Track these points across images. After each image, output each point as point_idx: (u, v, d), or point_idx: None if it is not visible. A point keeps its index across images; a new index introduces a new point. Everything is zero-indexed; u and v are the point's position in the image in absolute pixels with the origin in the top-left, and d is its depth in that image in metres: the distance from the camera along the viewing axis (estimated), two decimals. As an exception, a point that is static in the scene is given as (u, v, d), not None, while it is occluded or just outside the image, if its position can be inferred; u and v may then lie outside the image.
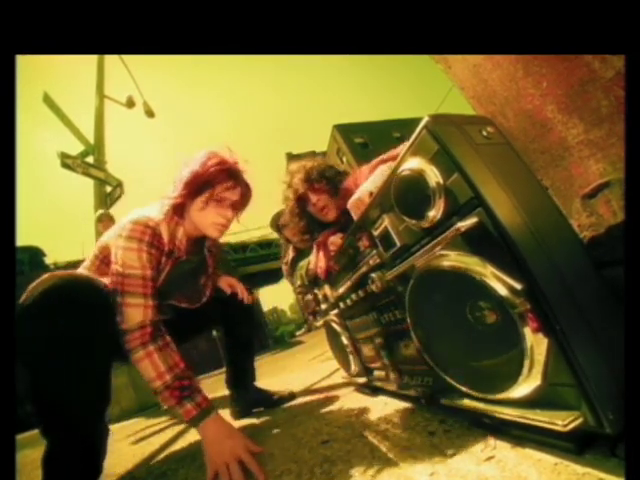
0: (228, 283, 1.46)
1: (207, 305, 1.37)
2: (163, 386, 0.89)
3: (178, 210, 1.07)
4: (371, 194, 0.97)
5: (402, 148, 1.14)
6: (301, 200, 1.45)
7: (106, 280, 0.98)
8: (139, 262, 0.96)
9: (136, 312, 0.92)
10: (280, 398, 1.56)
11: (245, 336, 1.55)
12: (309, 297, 1.44)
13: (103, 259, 1.08)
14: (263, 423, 1.30)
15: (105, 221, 3.62)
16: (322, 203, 1.41)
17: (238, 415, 1.53)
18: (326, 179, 1.39)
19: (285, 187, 1.51)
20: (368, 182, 1.03)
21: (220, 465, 0.81)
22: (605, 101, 0.54)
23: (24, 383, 0.79)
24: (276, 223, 2.01)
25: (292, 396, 1.58)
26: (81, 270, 1.11)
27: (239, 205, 1.13)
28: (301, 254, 1.83)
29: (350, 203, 1.05)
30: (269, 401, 1.55)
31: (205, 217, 1.07)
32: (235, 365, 1.56)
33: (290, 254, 2.03)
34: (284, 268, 2.16)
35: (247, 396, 1.54)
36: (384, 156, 1.18)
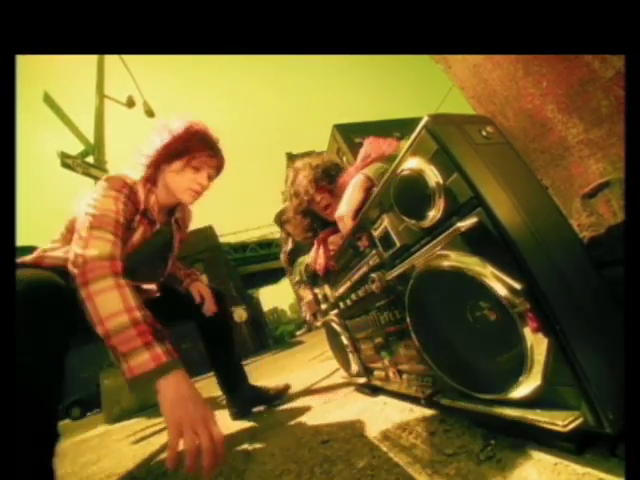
0: (199, 290, 1.41)
1: (176, 299, 1.37)
2: (130, 322, 0.74)
3: (153, 170, 1.08)
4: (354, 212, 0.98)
5: (388, 147, 1.13)
6: (304, 197, 1.44)
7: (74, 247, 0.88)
8: (115, 207, 0.94)
9: (106, 244, 0.85)
10: (277, 393, 1.55)
11: (226, 336, 1.53)
12: (307, 294, 1.45)
13: (72, 230, 0.99)
14: (263, 423, 1.31)
15: None
16: (325, 202, 1.41)
17: (237, 416, 1.52)
18: (329, 177, 1.39)
19: (289, 184, 1.51)
20: (344, 201, 1.02)
21: (186, 429, 0.66)
22: (605, 101, 0.54)
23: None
24: (280, 219, 2.18)
25: (287, 387, 1.57)
26: (50, 245, 1.06)
27: (214, 175, 1.17)
28: (301, 248, 1.87)
29: (336, 217, 1.05)
30: (266, 397, 1.54)
31: (181, 181, 1.08)
32: (222, 367, 1.54)
33: (289, 245, 2.24)
34: (283, 257, 2.42)
35: (243, 395, 1.52)
36: (374, 155, 1.16)
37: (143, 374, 0.71)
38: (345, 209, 0.99)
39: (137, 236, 1.07)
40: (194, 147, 1.07)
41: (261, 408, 1.54)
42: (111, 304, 0.75)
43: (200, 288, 1.41)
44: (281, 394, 1.57)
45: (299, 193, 1.43)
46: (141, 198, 1.04)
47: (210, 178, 1.15)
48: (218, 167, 1.17)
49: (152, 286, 1.38)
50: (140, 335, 0.73)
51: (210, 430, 0.67)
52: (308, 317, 1.51)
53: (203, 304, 1.40)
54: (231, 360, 1.56)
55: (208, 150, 1.10)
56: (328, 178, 1.39)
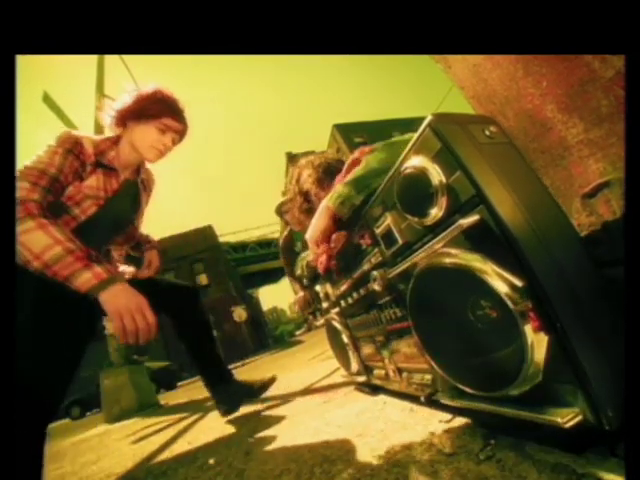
0: (150, 256, 1.45)
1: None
2: (65, 251, 0.84)
3: (119, 125, 1.17)
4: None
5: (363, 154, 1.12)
6: (309, 196, 1.44)
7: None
8: (47, 159, 1.01)
9: (20, 192, 0.92)
10: (262, 385, 1.55)
11: (203, 331, 1.54)
12: (298, 290, 1.48)
13: None
14: (263, 423, 1.31)
15: None
16: None
17: (226, 412, 1.50)
18: (332, 175, 1.39)
19: (293, 183, 1.50)
20: (310, 227, 1.07)
21: (125, 314, 0.85)
22: (605, 101, 0.54)
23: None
24: (280, 209, 2.31)
25: (273, 379, 1.56)
26: None
27: (177, 140, 1.26)
28: (297, 236, 1.90)
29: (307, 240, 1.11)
30: (252, 390, 1.54)
31: (146, 139, 1.16)
32: (204, 363, 1.54)
33: (285, 232, 2.49)
34: (280, 243, 2.58)
35: (229, 388, 1.51)
36: (345, 175, 1.14)
37: (89, 290, 0.85)
38: (309, 235, 1.07)
39: (92, 182, 1.13)
40: (161, 110, 1.16)
41: (260, 407, 1.54)
42: (39, 241, 0.84)
43: (153, 256, 1.47)
44: (267, 386, 1.56)
45: (303, 192, 1.43)
46: (88, 150, 1.11)
47: (174, 142, 1.24)
48: (182, 132, 1.26)
49: (130, 269, 1.43)
50: (78, 260, 0.85)
51: (144, 315, 0.88)
52: (297, 309, 1.53)
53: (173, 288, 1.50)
54: (213, 354, 1.55)
55: (174, 115, 1.19)
56: (331, 176, 1.38)
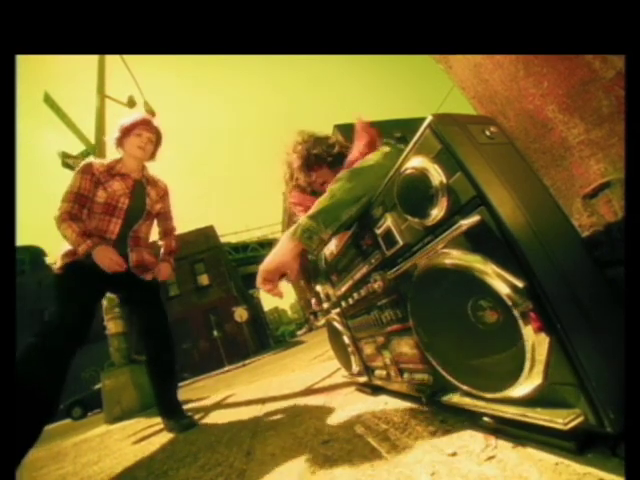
0: (160, 268, 1.88)
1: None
2: (77, 235, 1.54)
3: (118, 146, 1.80)
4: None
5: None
6: (302, 185, 1.39)
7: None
8: (72, 183, 1.65)
9: (61, 207, 1.60)
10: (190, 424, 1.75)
11: (167, 363, 1.85)
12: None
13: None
14: (264, 423, 1.31)
15: None
16: (321, 179, 1.37)
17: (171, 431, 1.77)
18: (317, 156, 1.32)
19: (286, 170, 1.44)
20: (268, 257, 0.93)
21: (103, 259, 1.55)
22: (606, 101, 0.54)
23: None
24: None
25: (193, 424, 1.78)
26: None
27: (152, 137, 1.83)
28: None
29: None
30: (190, 424, 1.75)
31: (131, 144, 1.77)
32: (162, 394, 1.85)
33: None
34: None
35: (181, 422, 1.74)
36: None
37: (86, 251, 1.53)
38: (264, 264, 0.93)
39: (114, 186, 1.73)
40: (134, 125, 1.77)
41: (261, 407, 1.54)
42: (68, 234, 1.55)
43: (163, 267, 1.90)
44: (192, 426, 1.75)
45: (293, 179, 1.38)
46: (98, 168, 1.71)
47: (150, 140, 1.82)
48: (153, 131, 1.84)
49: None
50: (81, 238, 1.54)
51: (111, 257, 1.56)
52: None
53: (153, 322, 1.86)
54: (169, 393, 1.87)
55: (142, 124, 1.79)
56: (316, 157, 1.32)
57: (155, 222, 1.99)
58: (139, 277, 1.79)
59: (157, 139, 1.88)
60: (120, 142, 1.79)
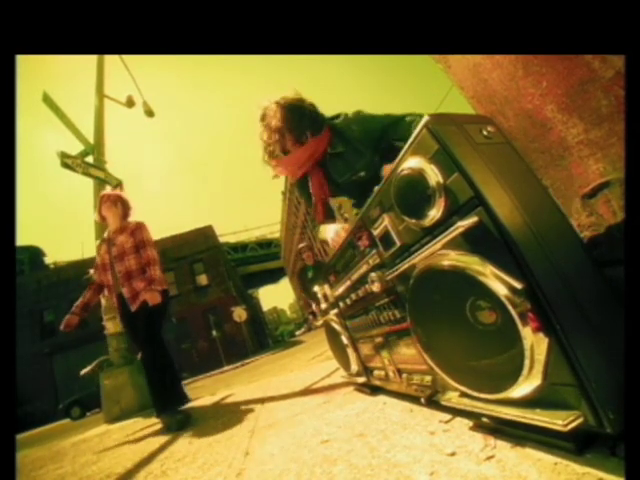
0: (145, 295, 2.15)
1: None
2: (75, 308, 2.21)
3: (102, 221, 2.45)
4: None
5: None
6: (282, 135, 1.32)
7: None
8: (96, 254, 2.38)
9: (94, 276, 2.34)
10: (185, 419, 1.90)
11: (160, 361, 2.12)
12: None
13: None
14: (263, 423, 1.31)
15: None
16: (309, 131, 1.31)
17: (165, 429, 1.92)
18: (295, 129, 1.30)
19: (262, 128, 1.37)
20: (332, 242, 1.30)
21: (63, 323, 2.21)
22: (605, 101, 0.54)
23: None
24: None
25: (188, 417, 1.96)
26: None
27: (109, 205, 2.35)
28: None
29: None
30: (186, 421, 1.89)
31: (104, 211, 2.34)
32: (151, 389, 2.16)
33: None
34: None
35: (176, 417, 1.88)
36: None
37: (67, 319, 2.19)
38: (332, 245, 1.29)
39: (101, 250, 2.33)
40: (98, 206, 2.39)
41: (260, 407, 1.54)
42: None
43: (147, 294, 2.14)
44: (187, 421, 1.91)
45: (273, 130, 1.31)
46: (105, 237, 2.36)
47: (109, 208, 2.35)
48: (114, 202, 2.37)
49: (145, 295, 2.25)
50: (73, 310, 2.21)
51: (65, 323, 2.20)
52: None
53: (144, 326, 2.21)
54: (163, 390, 2.08)
55: (101, 204, 2.37)
56: (297, 132, 1.30)
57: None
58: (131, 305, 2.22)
59: (120, 204, 2.39)
60: (103, 217, 2.42)
